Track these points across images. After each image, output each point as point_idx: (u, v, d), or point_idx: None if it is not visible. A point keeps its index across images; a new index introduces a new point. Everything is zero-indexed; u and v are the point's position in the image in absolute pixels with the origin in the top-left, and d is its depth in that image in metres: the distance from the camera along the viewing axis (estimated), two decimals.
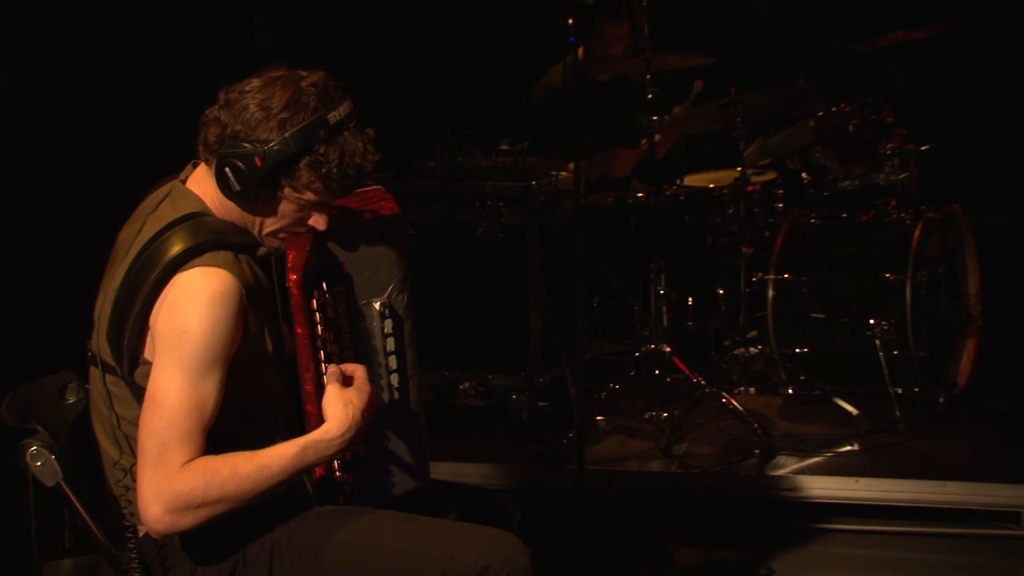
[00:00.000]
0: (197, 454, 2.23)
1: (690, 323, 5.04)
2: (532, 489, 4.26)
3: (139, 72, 4.56)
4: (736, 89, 4.86)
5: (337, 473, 2.44)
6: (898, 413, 4.55)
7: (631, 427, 4.69)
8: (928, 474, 4.12)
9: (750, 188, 4.97)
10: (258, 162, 2.28)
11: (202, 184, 2.40)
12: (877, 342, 4.57)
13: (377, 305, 2.56)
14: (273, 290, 2.40)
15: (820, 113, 4.95)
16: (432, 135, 4.79)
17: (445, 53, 5.99)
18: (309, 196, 2.34)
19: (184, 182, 2.43)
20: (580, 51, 5.11)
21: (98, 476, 2.45)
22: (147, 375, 2.26)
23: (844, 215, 4.90)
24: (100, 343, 2.34)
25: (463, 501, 2.73)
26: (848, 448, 4.40)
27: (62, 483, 2.35)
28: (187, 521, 2.22)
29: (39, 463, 2.35)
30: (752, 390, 4.93)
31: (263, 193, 2.33)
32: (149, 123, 4.31)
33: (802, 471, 4.24)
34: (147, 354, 2.29)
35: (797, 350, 4.79)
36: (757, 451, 4.36)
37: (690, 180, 5.15)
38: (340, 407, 2.29)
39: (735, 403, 4.53)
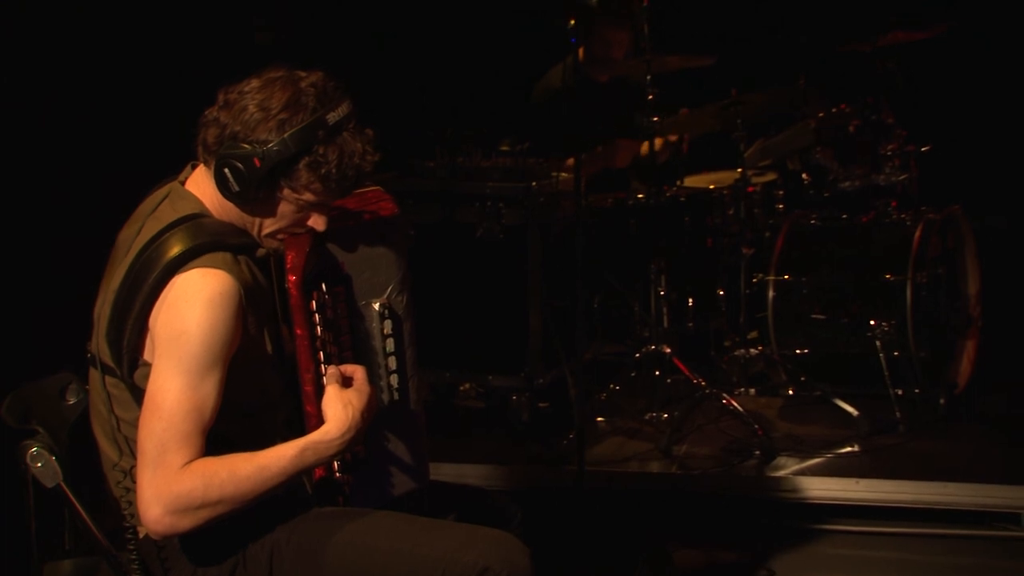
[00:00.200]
0: (196, 455, 2.23)
1: (690, 324, 5.04)
2: (532, 490, 4.26)
3: (139, 72, 4.55)
4: (736, 90, 4.86)
5: (337, 474, 2.44)
6: (898, 414, 4.55)
7: (631, 428, 4.69)
8: (928, 475, 4.12)
9: (750, 189, 4.97)
10: (257, 163, 2.28)
11: (201, 185, 2.40)
12: (877, 343, 4.57)
13: (376, 306, 2.56)
14: (272, 291, 2.40)
15: (820, 114, 4.95)
16: (432, 135, 4.79)
17: (445, 53, 5.98)
18: (308, 197, 2.34)
19: (183, 183, 2.43)
20: (581, 52, 5.10)
21: (98, 477, 2.45)
22: (146, 376, 2.26)
23: (844, 216, 4.90)
24: (99, 344, 2.34)
25: (463, 502, 2.73)
26: (848, 449, 4.39)
27: (62, 484, 2.35)
28: (187, 522, 2.21)
29: (39, 464, 2.35)
30: (752, 391, 4.93)
31: (262, 194, 2.33)
32: (149, 123, 4.31)
33: (802, 472, 4.24)
34: (146, 355, 2.29)
35: (797, 351, 4.79)
36: (757, 452, 4.36)
37: (690, 181, 5.15)
38: (339, 408, 2.29)
39: (735, 404, 4.52)
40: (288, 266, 2.36)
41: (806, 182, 4.97)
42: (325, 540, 2.37)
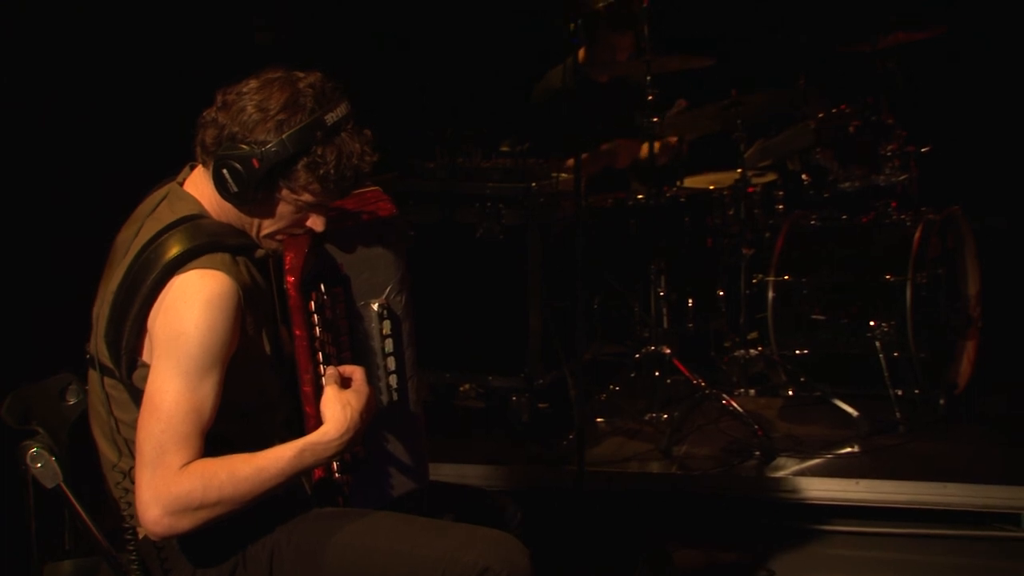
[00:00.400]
0: (195, 456, 2.23)
1: (690, 325, 5.04)
2: (532, 490, 4.26)
3: (139, 72, 4.55)
4: (736, 91, 4.86)
5: (336, 475, 2.44)
6: (898, 415, 4.55)
7: (631, 428, 4.69)
8: (928, 476, 4.12)
9: (750, 189, 4.97)
10: (256, 163, 2.28)
11: (200, 186, 2.40)
12: (877, 344, 4.57)
13: (375, 306, 2.56)
14: (271, 292, 2.40)
15: (820, 115, 4.95)
16: (432, 136, 4.79)
17: (445, 53, 5.98)
18: (307, 197, 2.34)
19: (182, 184, 2.43)
20: (581, 53, 5.11)
21: (98, 477, 2.45)
22: (145, 378, 2.26)
23: (844, 216, 4.90)
24: (98, 345, 2.34)
25: (462, 502, 2.73)
26: (848, 450, 4.40)
27: (62, 484, 2.36)
28: (185, 523, 2.22)
29: (39, 464, 2.35)
30: (752, 392, 4.93)
31: (261, 195, 2.33)
32: (149, 123, 4.31)
33: (802, 472, 4.24)
34: (145, 356, 2.29)
35: (797, 351, 4.79)
36: (757, 452, 4.36)
37: (690, 182, 5.15)
38: (338, 409, 2.29)
39: (735, 405, 4.52)
40: (287, 267, 2.36)
41: (806, 183, 4.97)
42: (325, 541, 2.37)
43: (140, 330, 2.28)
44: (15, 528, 2.48)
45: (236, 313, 2.26)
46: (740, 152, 4.90)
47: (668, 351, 4.72)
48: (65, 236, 4.06)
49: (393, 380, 2.58)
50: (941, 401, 4.64)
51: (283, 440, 2.31)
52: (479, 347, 4.70)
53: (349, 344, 2.52)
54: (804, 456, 4.35)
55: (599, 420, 4.75)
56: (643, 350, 4.79)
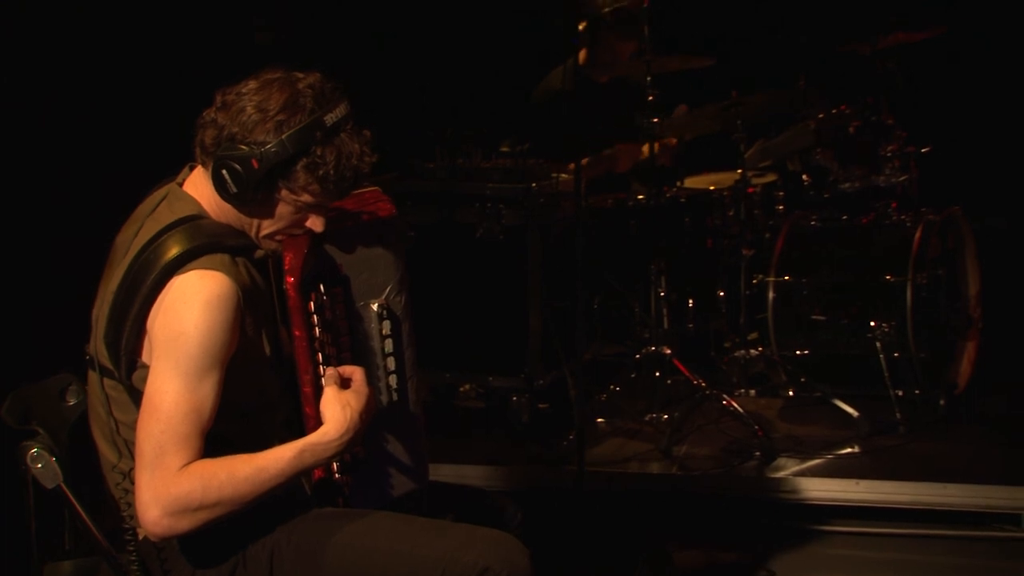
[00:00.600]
0: (195, 457, 2.23)
1: (690, 325, 5.04)
2: (532, 490, 4.26)
3: (139, 72, 4.55)
4: (736, 91, 4.86)
5: (336, 475, 2.45)
6: (898, 415, 4.55)
7: (631, 429, 4.69)
8: (928, 476, 4.12)
9: (750, 190, 4.97)
10: (255, 164, 2.28)
11: (199, 187, 2.40)
12: (877, 344, 4.57)
13: (375, 306, 2.56)
14: (271, 292, 2.40)
15: (820, 115, 4.95)
16: (432, 136, 4.79)
17: (445, 53, 5.98)
18: (306, 198, 2.34)
19: (181, 185, 2.43)
20: (583, 54, 5.11)
21: (98, 478, 2.45)
22: (144, 378, 2.26)
23: (844, 217, 4.90)
24: (98, 346, 2.34)
25: (462, 502, 2.73)
26: (848, 450, 4.40)
27: (62, 485, 2.36)
28: (185, 524, 2.22)
29: (39, 465, 2.35)
30: (752, 392, 4.93)
31: (260, 195, 2.33)
32: (149, 123, 4.31)
33: (802, 473, 4.24)
34: (145, 357, 2.29)
35: (797, 352, 4.79)
36: (757, 453, 4.36)
37: (690, 182, 5.15)
38: (338, 409, 2.29)
39: (735, 405, 4.52)
40: (286, 267, 2.36)
41: (806, 183, 4.96)
42: (325, 541, 2.37)
43: (139, 331, 2.28)
44: (15, 528, 2.48)
45: (235, 314, 2.26)
46: (740, 152, 4.90)
47: (668, 351, 4.72)
48: (65, 236, 4.06)
49: (393, 380, 2.59)
50: (941, 401, 4.64)
51: (283, 440, 2.31)
52: (479, 347, 4.70)
53: (349, 344, 2.52)
54: (804, 456, 4.35)
55: (599, 420, 4.75)
56: (643, 350, 4.79)
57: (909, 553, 3.98)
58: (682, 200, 4.91)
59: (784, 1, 5.96)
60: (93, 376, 2.37)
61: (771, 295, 4.79)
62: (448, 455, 4.31)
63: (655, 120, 4.71)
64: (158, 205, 2.40)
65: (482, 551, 2.34)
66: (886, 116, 4.81)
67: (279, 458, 2.26)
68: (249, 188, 2.30)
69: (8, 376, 2.56)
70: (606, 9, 4.89)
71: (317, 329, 2.40)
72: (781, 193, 5.17)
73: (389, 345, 2.57)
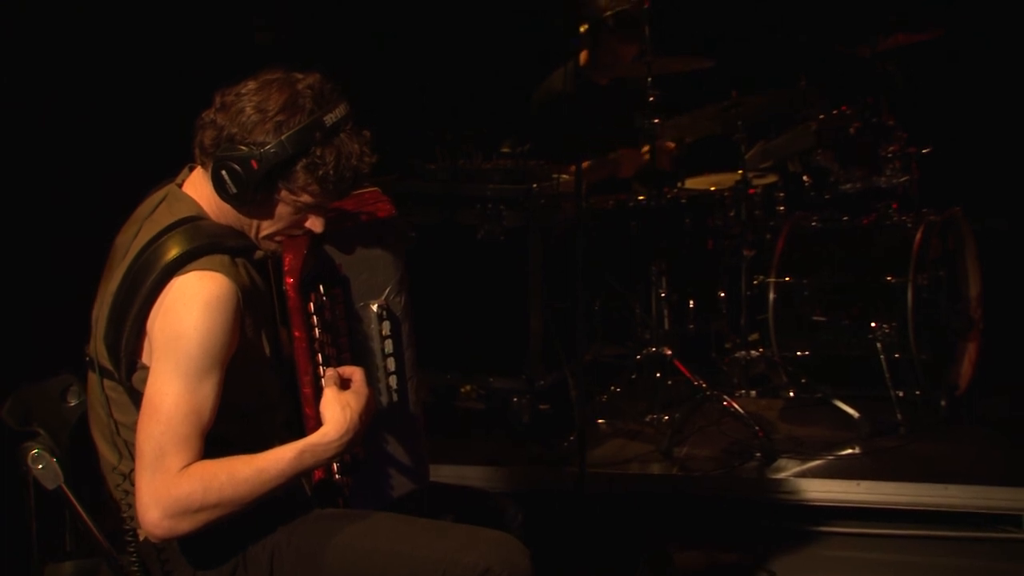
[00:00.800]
0: (195, 458, 2.22)
1: (691, 326, 5.03)
2: (533, 491, 4.25)
3: (139, 72, 4.55)
4: (737, 92, 4.86)
5: (336, 476, 2.44)
6: (899, 416, 4.55)
7: (632, 430, 4.69)
8: (929, 477, 4.12)
9: (751, 191, 4.97)
10: (254, 165, 2.28)
11: (198, 187, 2.40)
12: (878, 345, 4.57)
13: (375, 307, 2.56)
14: (270, 293, 2.40)
15: (821, 116, 4.95)
16: (432, 136, 4.79)
17: (445, 54, 5.98)
18: (306, 199, 2.34)
19: (180, 186, 2.43)
20: (584, 56, 5.11)
21: (99, 479, 2.45)
22: (144, 380, 2.26)
23: (845, 218, 4.90)
24: (97, 348, 2.34)
25: (463, 503, 2.73)
26: (849, 451, 4.40)
27: (63, 486, 2.36)
28: (185, 525, 2.21)
29: (40, 466, 2.35)
30: (753, 393, 4.93)
31: (260, 196, 2.33)
32: (149, 123, 4.30)
33: (803, 474, 4.23)
34: (144, 359, 2.29)
35: (798, 353, 4.79)
36: (758, 454, 4.36)
37: (691, 183, 5.14)
38: (338, 410, 2.29)
39: (736, 406, 4.52)
40: (286, 268, 2.36)
41: (807, 184, 4.96)
42: (325, 542, 2.37)
43: (139, 332, 2.28)
44: (16, 529, 2.48)
45: (235, 315, 2.26)
46: (741, 153, 4.90)
47: (669, 352, 4.72)
48: (65, 236, 4.05)
49: (393, 381, 2.58)
50: (942, 402, 4.64)
51: (283, 441, 2.30)
52: (480, 348, 4.70)
53: (349, 345, 2.52)
54: (805, 457, 4.35)
55: (600, 421, 4.75)
56: (644, 351, 4.78)
57: (910, 554, 3.98)
58: (683, 201, 4.91)
59: (784, 2, 5.95)
60: (93, 377, 2.37)
61: (772, 296, 4.78)
62: (449, 456, 4.31)
63: (655, 121, 4.71)
64: (157, 206, 2.40)
65: (483, 552, 2.34)
66: (887, 117, 4.81)
67: (279, 459, 2.26)
68: (248, 189, 2.30)
69: (9, 377, 2.55)
70: (608, 12, 4.88)
71: (317, 330, 2.39)
72: (782, 194, 5.17)
73: (389, 346, 2.57)
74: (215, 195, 2.34)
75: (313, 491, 2.45)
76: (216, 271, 2.26)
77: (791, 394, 4.85)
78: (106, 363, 2.33)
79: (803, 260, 4.82)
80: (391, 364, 2.58)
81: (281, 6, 5.64)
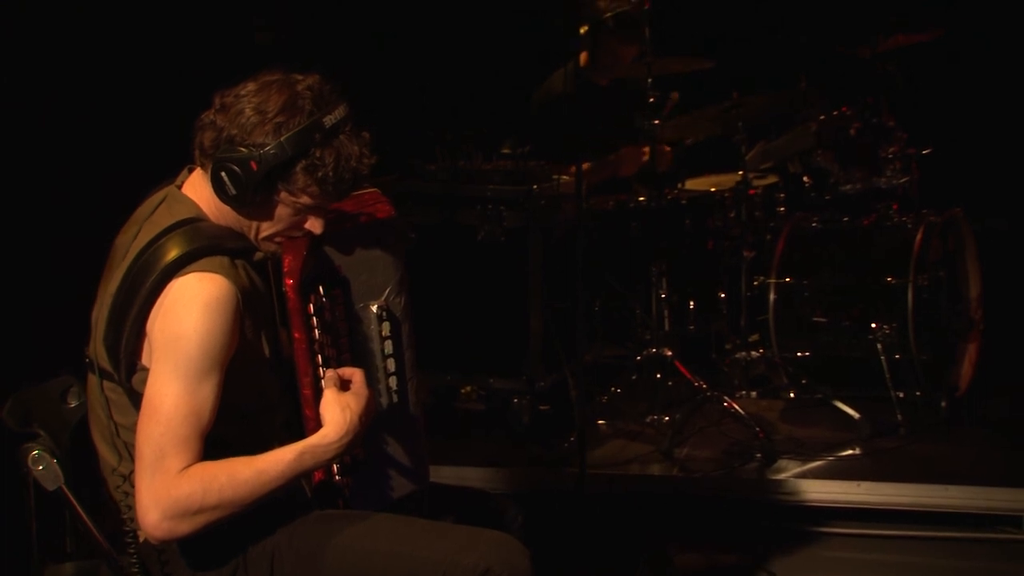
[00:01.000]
0: (195, 460, 2.22)
1: (691, 327, 5.03)
2: (533, 492, 4.25)
3: (139, 73, 4.55)
4: (737, 92, 4.85)
5: (336, 477, 2.44)
6: (899, 417, 4.54)
7: (632, 431, 4.69)
8: (929, 478, 4.12)
9: (751, 192, 4.96)
10: (254, 166, 2.28)
11: (198, 189, 2.40)
12: (878, 346, 4.57)
13: (374, 308, 2.56)
14: (270, 295, 2.40)
15: (821, 117, 4.95)
16: (432, 136, 4.79)
17: (445, 54, 5.98)
18: (305, 200, 2.34)
19: (180, 187, 2.43)
20: (583, 56, 5.11)
21: (99, 480, 2.45)
22: (144, 381, 2.26)
23: (845, 219, 4.90)
24: (97, 349, 2.34)
25: (463, 504, 2.73)
26: (849, 452, 4.39)
27: (63, 487, 2.36)
28: (185, 527, 2.21)
29: (41, 467, 2.35)
30: (753, 394, 4.92)
31: (259, 197, 2.33)
32: (149, 124, 4.30)
33: (803, 475, 4.23)
34: (144, 360, 2.29)
35: (798, 354, 4.79)
36: (758, 455, 4.36)
37: (691, 184, 5.14)
38: (338, 411, 2.29)
39: (736, 407, 4.52)
40: (285, 269, 2.36)
41: (807, 185, 4.96)
42: (325, 543, 2.37)
43: (139, 333, 2.28)
44: (16, 530, 2.48)
45: (235, 316, 2.26)
46: (741, 154, 4.90)
47: (669, 353, 4.72)
48: (65, 236, 4.05)
49: (393, 382, 2.58)
50: (942, 403, 4.64)
51: (283, 443, 2.30)
52: (480, 349, 4.70)
53: (348, 346, 2.52)
54: (805, 458, 4.34)
55: (600, 422, 4.75)
56: (644, 352, 4.79)
57: (910, 555, 3.98)
58: (683, 202, 4.90)
59: (784, 2, 5.95)
60: (93, 379, 2.37)
61: (772, 297, 4.78)
62: (449, 457, 4.30)
63: (656, 122, 4.71)
64: (157, 208, 2.40)
65: (483, 553, 2.34)
66: (887, 118, 4.81)
67: (279, 460, 2.26)
68: (248, 190, 2.30)
69: (9, 378, 2.55)
70: (607, 14, 4.88)
71: (316, 331, 2.39)
72: (782, 195, 5.17)
73: (389, 347, 2.57)
74: (214, 196, 2.34)
75: (313, 492, 2.45)
76: (216, 272, 2.26)
77: (791, 395, 4.85)
78: (106, 365, 2.33)
79: (803, 261, 4.82)
80: (391, 365, 2.58)
81: (281, 6, 5.64)
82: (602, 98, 5.17)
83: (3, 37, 4.08)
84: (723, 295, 5.04)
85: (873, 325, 4.60)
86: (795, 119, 5.10)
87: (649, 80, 4.69)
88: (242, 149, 2.29)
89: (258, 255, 2.41)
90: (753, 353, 4.90)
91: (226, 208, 2.36)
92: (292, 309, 2.35)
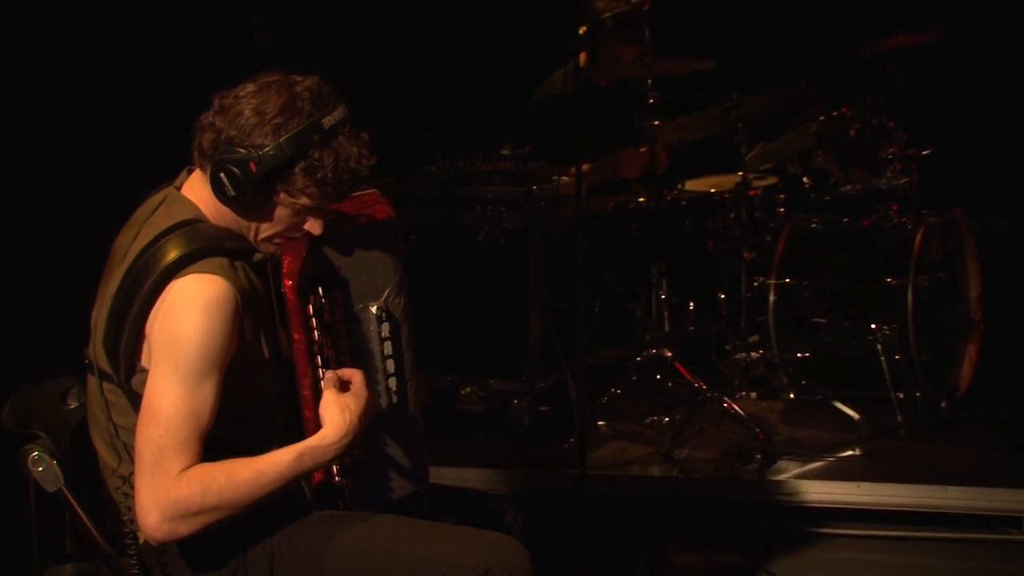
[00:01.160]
0: (194, 461, 2.22)
1: (691, 328, 5.03)
2: (533, 493, 4.25)
3: (139, 74, 4.55)
4: (737, 93, 4.85)
5: (336, 478, 2.44)
6: (899, 418, 4.54)
7: (632, 431, 4.69)
8: (929, 479, 4.12)
9: (751, 192, 4.96)
10: (253, 167, 2.28)
11: (197, 190, 2.40)
12: (878, 346, 4.57)
13: (374, 309, 2.56)
14: (269, 296, 2.40)
15: (821, 117, 4.95)
16: (432, 137, 4.79)
17: (445, 55, 5.98)
18: (304, 201, 2.34)
19: (179, 188, 2.43)
20: (583, 57, 5.11)
21: (99, 481, 2.45)
22: (144, 382, 2.25)
23: (845, 220, 4.90)
24: (96, 351, 2.34)
25: (463, 505, 2.73)
26: (849, 452, 4.39)
27: (63, 488, 2.36)
28: (185, 528, 2.21)
29: (41, 468, 2.35)
30: (753, 395, 4.92)
31: (258, 199, 2.32)
32: (149, 125, 4.30)
33: (803, 475, 4.23)
34: (144, 361, 2.29)
35: (798, 354, 4.79)
36: (758, 455, 4.36)
37: (691, 185, 5.14)
38: (337, 412, 2.29)
39: (736, 408, 4.52)
40: (284, 271, 2.36)
41: (807, 186, 4.96)
42: (325, 544, 2.37)
43: (138, 335, 2.28)
44: (16, 531, 2.48)
45: (234, 317, 2.26)
46: (741, 155, 4.90)
47: (669, 354, 4.73)
48: (65, 236, 4.05)
49: (392, 383, 2.58)
50: (942, 404, 4.64)
51: (282, 444, 2.30)
52: (480, 350, 4.70)
53: (348, 347, 2.52)
54: (805, 459, 4.34)
55: (600, 423, 4.75)
56: (644, 353, 4.79)
57: (910, 556, 3.97)
58: (683, 203, 4.91)
59: (784, 3, 5.95)
60: (92, 380, 2.37)
61: (772, 298, 4.78)
62: (449, 458, 4.30)
63: (656, 123, 4.71)
64: (156, 209, 2.40)
65: (483, 554, 2.34)
66: (887, 118, 4.81)
67: (278, 461, 2.26)
68: (247, 191, 2.30)
69: (9, 379, 2.55)
70: (606, 14, 4.88)
71: (316, 332, 2.39)
72: (782, 196, 5.17)
73: (388, 347, 2.57)
74: (214, 198, 2.34)
75: (313, 493, 2.45)
76: (215, 274, 2.26)
77: (791, 396, 4.85)
78: (105, 366, 2.32)
79: (803, 262, 4.82)
80: (390, 366, 2.58)
81: (281, 7, 5.64)
82: (602, 99, 5.17)
83: (3, 37, 4.08)
84: (723, 296, 5.04)
85: (873, 326, 4.60)
86: (795, 120, 5.10)
87: (649, 81, 4.69)
88: (241, 150, 2.28)
89: (257, 256, 2.41)
90: (753, 354, 4.90)
91: (225, 209, 2.36)
92: (291, 310, 2.35)
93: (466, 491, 2.93)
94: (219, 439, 2.27)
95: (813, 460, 4.34)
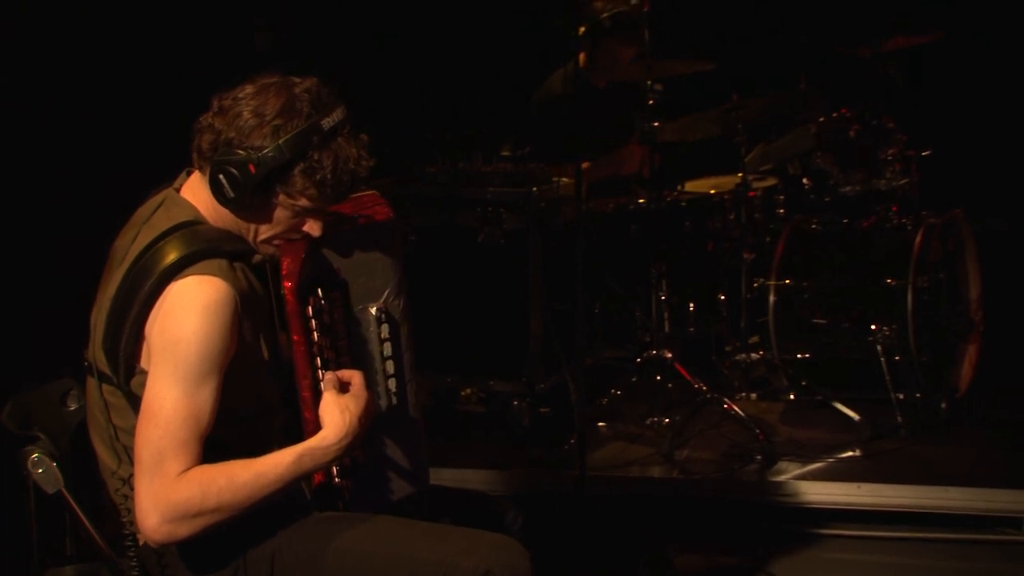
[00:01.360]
0: (194, 463, 2.22)
1: (691, 329, 5.04)
2: (533, 494, 4.25)
3: (138, 74, 4.55)
4: (737, 94, 4.85)
5: (336, 479, 2.45)
6: (900, 418, 4.54)
7: (632, 433, 4.69)
8: (930, 480, 4.12)
9: (751, 194, 4.96)
10: (252, 169, 2.28)
11: (196, 192, 2.40)
12: (878, 347, 4.57)
13: (373, 310, 2.56)
14: (269, 297, 2.40)
15: (821, 118, 4.95)
16: (432, 138, 4.79)
17: (445, 55, 5.98)
18: (303, 203, 2.34)
19: (178, 190, 2.43)
20: (583, 58, 5.11)
21: (99, 483, 2.45)
22: (143, 384, 2.25)
23: (845, 221, 4.90)
24: (96, 353, 2.34)
25: (463, 506, 2.73)
26: (849, 453, 4.39)
27: (63, 490, 2.36)
28: (184, 530, 2.21)
29: (40, 470, 2.35)
30: (753, 396, 4.93)
31: (257, 200, 2.33)
32: (149, 126, 4.30)
33: (803, 476, 4.23)
34: (143, 363, 2.29)
35: (798, 355, 4.79)
36: (758, 456, 4.36)
37: (691, 186, 5.14)
38: (337, 414, 2.29)
39: (736, 409, 4.52)
40: (284, 272, 2.36)
41: (807, 187, 4.96)
42: (325, 545, 2.37)
43: (138, 337, 2.28)
44: (16, 533, 2.48)
45: (233, 319, 2.26)
46: (741, 156, 4.90)
47: (669, 355, 4.73)
48: (65, 237, 4.05)
49: (392, 384, 2.58)
50: (943, 405, 4.64)
51: (282, 445, 2.30)
52: (480, 351, 4.70)
53: (347, 349, 2.52)
54: (805, 460, 4.35)
55: (600, 424, 4.75)
56: (644, 354, 4.79)
57: (910, 557, 3.97)
58: (683, 204, 4.91)
59: (784, 3, 5.95)
60: (92, 382, 2.37)
61: (772, 299, 4.78)
62: (449, 459, 4.30)
63: (655, 124, 4.71)
64: (155, 210, 2.40)
65: (483, 555, 2.34)
66: (886, 119, 4.81)
67: (278, 463, 2.26)
68: (246, 193, 2.30)
69: (9, 380, 2.55)
70: (605, 15, 4.88)
71: (315, 333, 2.39)
72: (782, 197, 5.17)
73: (388, 349, 2.57)
74: (213, 199, 2.34)
75: (313, 494, 2.45)
76: (214, 275, 2.26)
77: (791, 397, 4.85)
78: (104, 368, 2.32)
79: (803, 263, 4.82)
80: (390, 367, 2.58)
81: (281, 7, 5.64)
82: (601, 100, 5.17)
83: (3, 37, 4.08)
84: (723, 297, 5.04)
85: (873, 327, 4.60)
86: (795, 121, 5.10)
87: (649, 82, 4.69)
88: (240, 152, 2.28)
89: (257, 258, 2.41)
90: (753, 355, 4.91)
91: (224, 211, 2.36)
92: (291, 312, 2.35)
93: (466, 492, 2.93)
94: (219, 441, 2.27)
95: (813, 461, 4.34)
